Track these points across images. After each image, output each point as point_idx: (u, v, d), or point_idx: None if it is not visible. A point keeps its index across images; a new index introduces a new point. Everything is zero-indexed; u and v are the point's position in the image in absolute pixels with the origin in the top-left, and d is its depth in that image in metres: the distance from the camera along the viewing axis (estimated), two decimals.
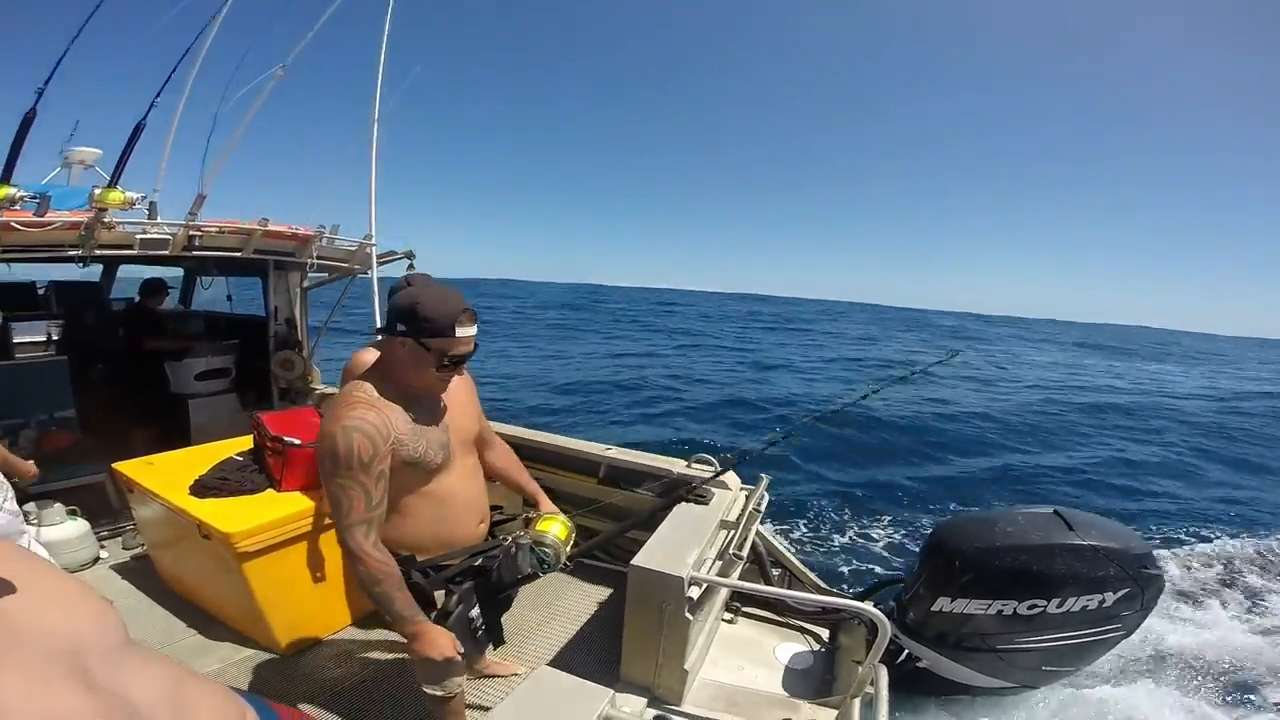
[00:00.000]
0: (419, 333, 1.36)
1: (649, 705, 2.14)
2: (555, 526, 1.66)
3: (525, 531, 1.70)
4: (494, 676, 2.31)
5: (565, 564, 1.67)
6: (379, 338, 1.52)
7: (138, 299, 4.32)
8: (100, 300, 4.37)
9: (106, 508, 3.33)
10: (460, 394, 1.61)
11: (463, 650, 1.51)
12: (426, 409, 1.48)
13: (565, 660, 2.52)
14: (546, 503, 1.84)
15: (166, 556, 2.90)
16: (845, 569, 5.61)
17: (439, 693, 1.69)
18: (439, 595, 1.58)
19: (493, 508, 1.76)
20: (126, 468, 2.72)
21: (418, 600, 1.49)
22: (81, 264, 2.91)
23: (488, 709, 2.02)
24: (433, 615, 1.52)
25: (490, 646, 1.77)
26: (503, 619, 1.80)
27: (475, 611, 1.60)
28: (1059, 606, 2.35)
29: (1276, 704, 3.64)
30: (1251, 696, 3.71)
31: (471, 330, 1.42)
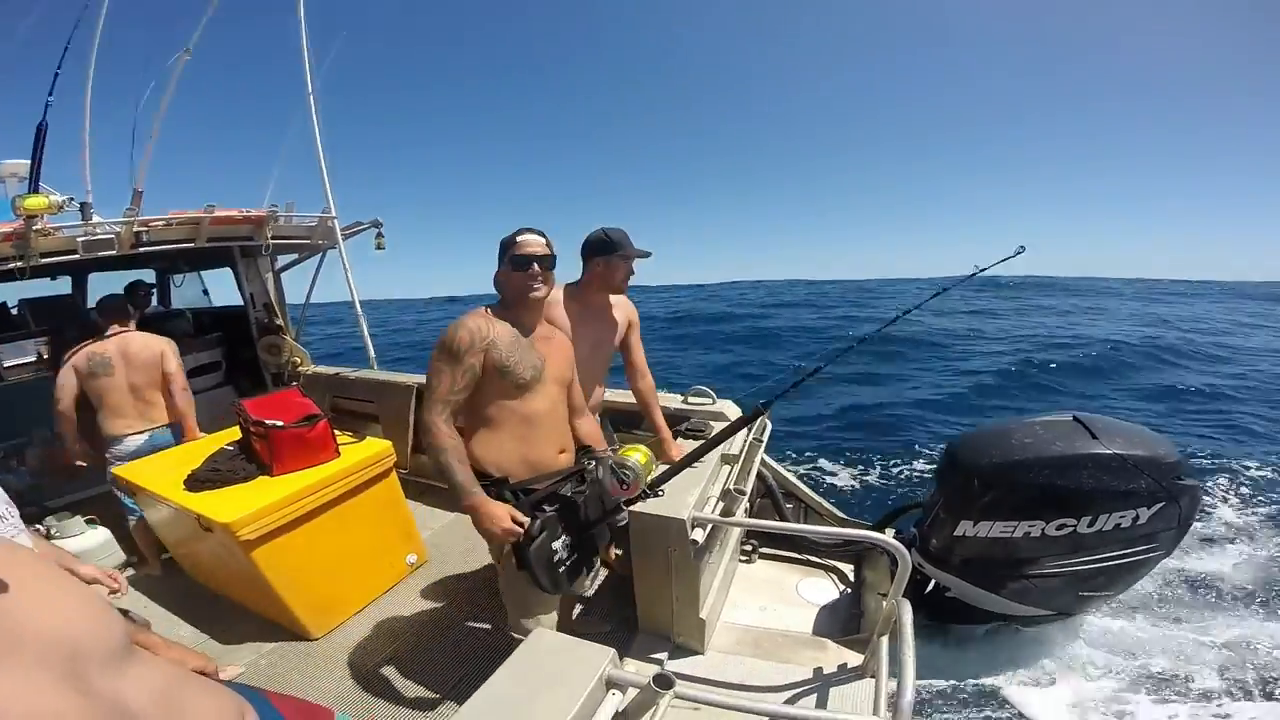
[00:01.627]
0: (503, 257, 1.70)
1: (671, 657, 2.09)
2: (637, 454, 1.71)
3: (606, 454, 1.80)
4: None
5: (645, 491, 1.72)
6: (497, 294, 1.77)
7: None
8: (76, 312, 4.28)
9: (122, 514, 3.31)
10: (564, 345, 1.85)
11: (540, 580, 1.61)
12: (529, 337, 1.71)
13: (584, 617, 2.48)
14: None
15: (185, 554, 2.90)
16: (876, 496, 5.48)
17: (524, 638, 1.72)
18: (526, 522, 1.62)
19: (582, 448, 1.87)
20: (124, 472, 2.69)
21: None
22: (21, 275, 2.81)
23: None
24: (519, 540, 1.60)
25: (573, 586, 1.79)
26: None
27: (559, 544, 1.65)
28: (1090, 525, 2.19)
29: None
30: None
31: (532, 236, 1.69)
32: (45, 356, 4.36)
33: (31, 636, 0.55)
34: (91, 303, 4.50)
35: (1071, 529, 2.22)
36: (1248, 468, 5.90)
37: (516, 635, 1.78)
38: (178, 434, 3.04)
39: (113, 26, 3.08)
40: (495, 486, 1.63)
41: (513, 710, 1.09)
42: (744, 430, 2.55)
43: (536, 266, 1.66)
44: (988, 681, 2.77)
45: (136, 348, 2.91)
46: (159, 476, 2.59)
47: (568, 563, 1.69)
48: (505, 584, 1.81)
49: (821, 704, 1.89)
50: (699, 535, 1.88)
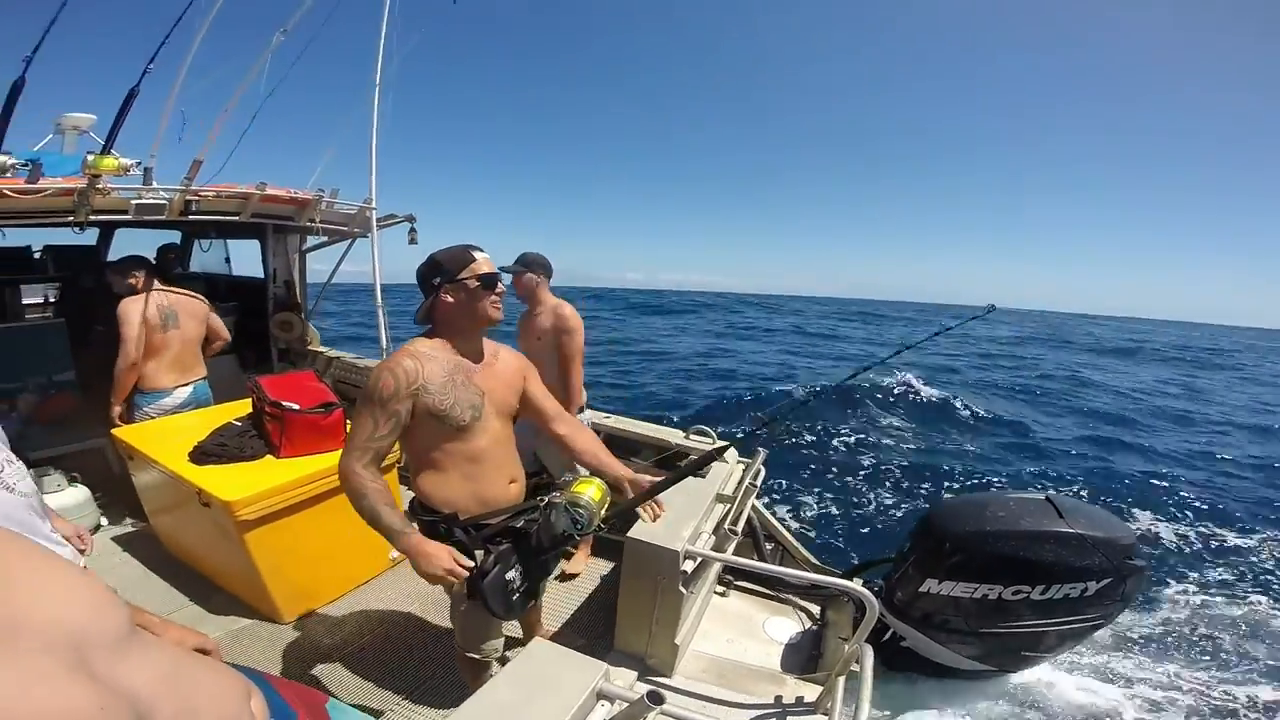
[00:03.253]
0: (450, 275, 1.55)
1: (640, 677, 2.20)
2: (590, 489, 1.68)
3: (561, 493, 1.74)
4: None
5: (600, 526, 1.69)
6: (427, 326, 1.64)
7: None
8: (97, 264, 4.33)
9: (107, 474, 3.33)
10: (508, 368, 1.73)
11: (494, 609, 1.59)
12: (467, 372, 1.60)
13: (563, 629, 2.58)
14: (630, 478, 1.80)
15: (168, 524, 2.90)
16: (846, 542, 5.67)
17: (476, 656, 1.79)
18: (479, 555, 1.61)
19: (533, 474, 1.84)
20: (126, 434, 2.71)
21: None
22: (78, 229, 2.92)
23: None
24: (473, 573, 1.57)
25: (531, 608, 1.84)
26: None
27: (513, 574, 1.63)
28: (1043, 593, 2.38)
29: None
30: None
31: (485, 254, 1.59)
32: (52, 301, 4.36)
33: (34, 624, 0.53)
34: (114, 257, 4.57)
35: (1025, 595, 2.40)
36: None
37: (469, 654, 1.81)
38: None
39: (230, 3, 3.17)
40: (446, 523, 1.60)
41: (510, 714, 1.20)
42: (740, 470, 2.70)
43: (499, 285, 1.58)
44: None
45: (185, 302, 3.06)
46: (160, 442, 2.60)
47: (520, 590, 1.68)
48: (455, 607, 1.79)
49: None
50: (689, 566, 1.99)
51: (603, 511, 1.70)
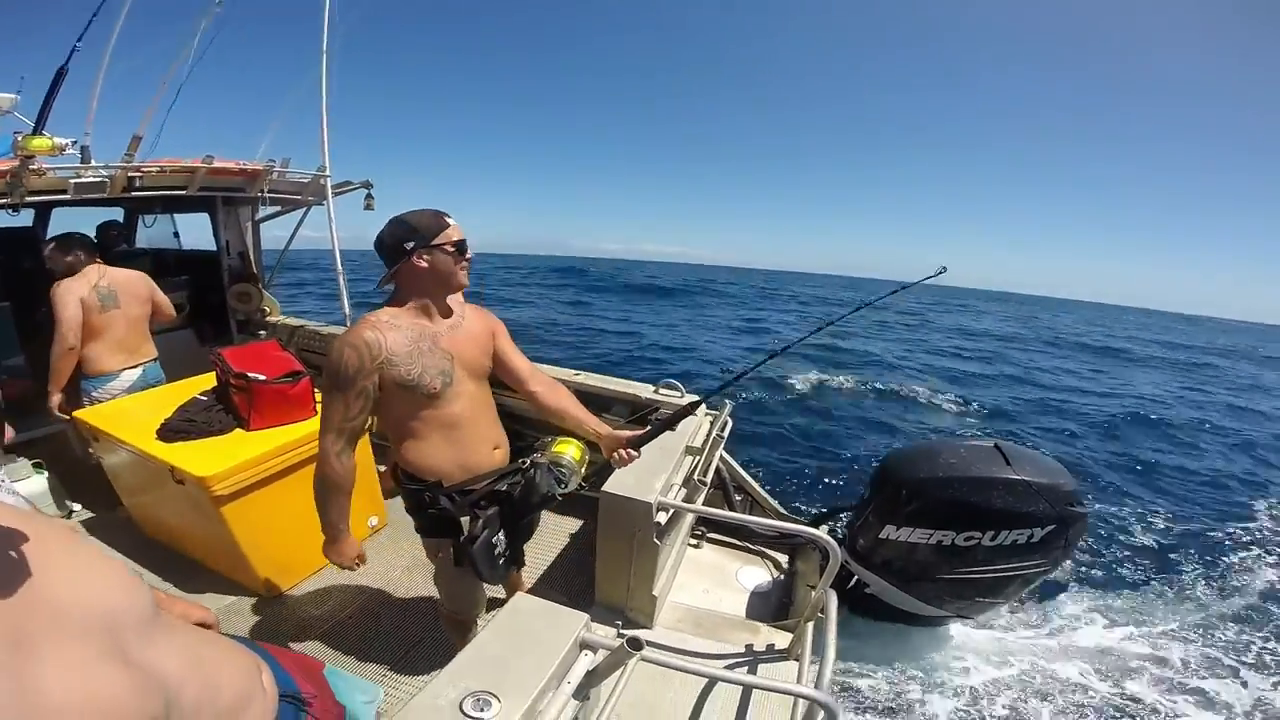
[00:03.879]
0: (424, 240, 1.48)
1: (621, 630, 2.30)
2: (570, 449, 1.71)
3: (540, 454, 1.76)
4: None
5: (581, 485, 1.72)
6: (389, 286, 1.57)
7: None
8: (36, 246, 4.11)
9: (72, 460, 3.22)
10: (475, 328, 1.67)
11: (482, 573, 1.65)
12: (434, 337, 1.55)
13: (542, 587, 2.66)
14: (608, 435, 1.77)
15: (143, 505, 2.85)
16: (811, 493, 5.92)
17: (462, 618, 1.89)
18: (464, 521, 1.64)
19: (514, 434, 1.82)
20: (88, 415, 2.63)
21: (445, 525, 1.64)
22: (13, 212, 2.78)
23: None
24: (460, 539, 1.62)
25: (515, 569, 1.90)
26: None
27: (499, 537, 1.66)
28: (992, 540, 2.49)
29: None
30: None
31: (454, 220, 1.53)
32: None
33: (74, 611, 0.55)
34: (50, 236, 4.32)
35: (976, 541, 2.52)
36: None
37: (457, 616, 1.90)
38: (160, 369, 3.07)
39: None
40: (430, 491, 1.61)
41: (498, 665, 1.26)
42: (708, 423, 2.77)
43: (469, 251, 1.55)
44: (887, 670, 3.20)
45: (124, 280, 2.90)
46: (125, 422, 2.54)
47: (505, 553, 1.73)
48: (441, 572, 1.82)
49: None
50: (662, 518, 2.04)
51: (583, 470, 1.73)
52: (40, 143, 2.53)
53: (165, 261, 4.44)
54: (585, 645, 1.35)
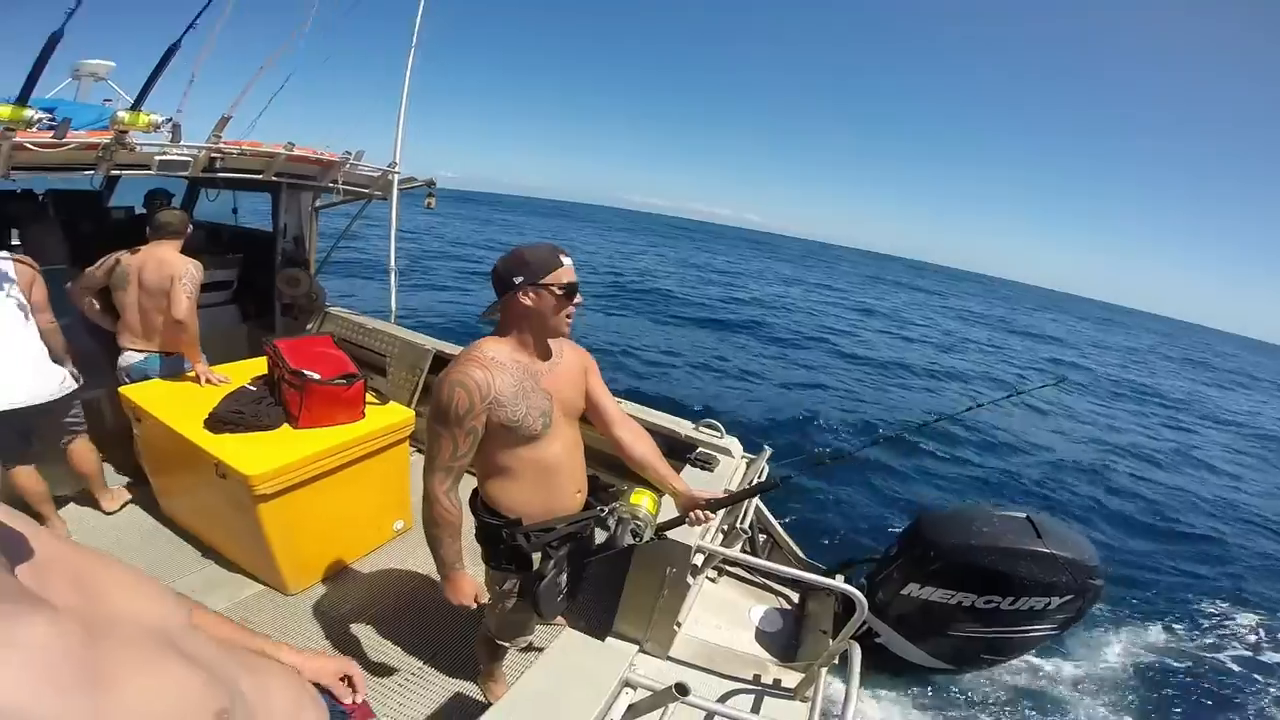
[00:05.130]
0: (534, 275, 1.47)
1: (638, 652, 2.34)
2: (646, 500, 1.71)
3: (620, 504, 1.75)
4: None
5: (654, 537, 1.73)
6: (495, 316, 1.58)
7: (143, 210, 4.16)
8: (99, 209, 4.23)
9: (103, 428, 3.21)
10: (572, 365, 1.68)
11: (543, 611, 1.68)
12: (535, 376, 1.55)
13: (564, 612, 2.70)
14: (686, 495, 1.79)
15: (172, 488, 2.86)
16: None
17: (505, 645, 1.93)
18: (536, 558, 1.65)
19: (590, 476, 1.83)
20: (134, 393, 2.65)
21: (517, 561, 1.65)
22: (92, 183, 2.84)
23: None
24: (530, 575, 1.65)
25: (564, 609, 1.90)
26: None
27: (564, 577, 1.69)
28: (1012, 604, 2.57)
29: None
30: None
31: (570, 260, 1.52)
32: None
33: (145, 624, 0.59)
34: (116, 202, 4.44)
35: (996, 604, 2.60)
36: None
37: (498, 641, 1.93)
38: (174, 365, 2.97)
39: None
40: (509, 528, 1.62)
41: (547, 702, 1.30)
42: (744, 465, 2.82)
43: (578, 297, 1.53)
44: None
45: (151, 268, 2.80)
46: (171, 406, 2.56)
47: (564, 593, 1.75)
48: (496, 603, 1.82)
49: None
50: (699, 560, 2.08)
51: (656, 521, 1.73)
52: (140, 119, 2.57)
53: (219, 236, 4.56)
54: (629, 684, 1.40)
